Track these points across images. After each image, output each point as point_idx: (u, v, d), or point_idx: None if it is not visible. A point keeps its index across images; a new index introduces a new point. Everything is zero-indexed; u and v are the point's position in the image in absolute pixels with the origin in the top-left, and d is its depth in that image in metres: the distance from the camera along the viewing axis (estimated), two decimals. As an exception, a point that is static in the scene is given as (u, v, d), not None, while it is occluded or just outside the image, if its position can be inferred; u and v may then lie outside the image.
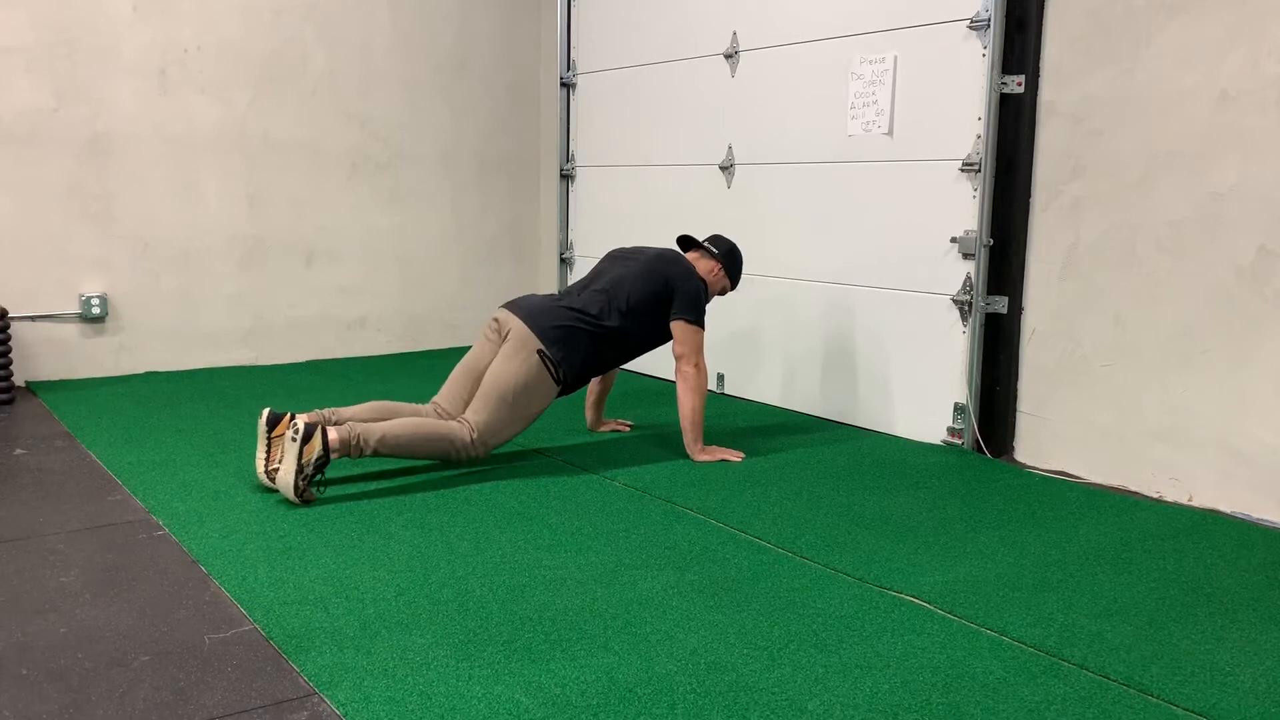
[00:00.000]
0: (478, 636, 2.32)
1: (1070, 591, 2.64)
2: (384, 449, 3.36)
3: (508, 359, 3.56)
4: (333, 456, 3.26)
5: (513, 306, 3.71)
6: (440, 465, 3.60)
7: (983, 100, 3.85)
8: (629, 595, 2.56)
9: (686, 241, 4.02)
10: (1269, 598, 2.63)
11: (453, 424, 3.51)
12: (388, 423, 3.40)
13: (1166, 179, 3.44)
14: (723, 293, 4.05)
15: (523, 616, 2.43)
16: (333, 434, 3.26)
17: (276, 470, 3.29)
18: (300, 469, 3.17)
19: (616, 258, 3.93)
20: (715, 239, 4.02)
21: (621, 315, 3.69)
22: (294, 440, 3.17)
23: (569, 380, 3.64)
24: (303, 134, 5.57)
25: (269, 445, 3.34)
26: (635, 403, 4.70)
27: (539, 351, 3.55)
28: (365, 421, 3.42)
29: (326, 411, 3.47)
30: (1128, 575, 2.76)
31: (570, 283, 6.09)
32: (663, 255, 3.86)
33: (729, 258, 3.98)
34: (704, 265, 3.93)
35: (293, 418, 3.30)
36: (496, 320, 3.70)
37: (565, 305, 3.70)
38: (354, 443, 3.30)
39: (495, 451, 3.70)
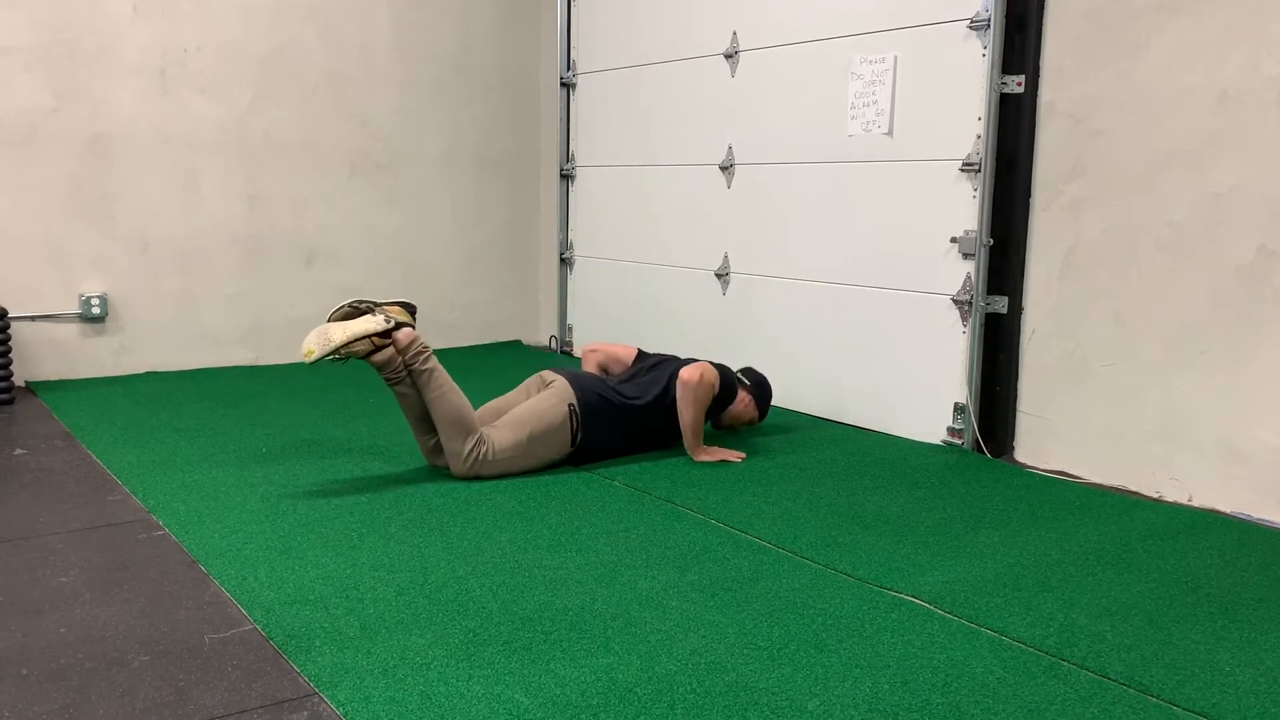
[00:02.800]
0: (478, 636, 2.32)
1: (1070, 591, 2.64)
2: (430, 383, 3.42)
3: (542, 400, 3.64)
4: (387, 353, 3.36)
5: (560, 369, 3.83)
6: (433, 468, 3.60)
7: (983, 100, 3.85)
8: (629, 595, 2.56)
9: (723, 370, 4.08)
10: (1269, 598, 2.63)
11: (484, 428, 3.55)
12: (446, 373, 3.50)
13: (1166, 179, 3.44)
14: (750, 423, 4.16)
15: (523, 616, 2.43)
16: (406, 332, 3.40)
17: (343, 316, 3.37)
18: (354, 340, 3.27)
19: (662, 361, 4.00)
20: (748, 370, 4.17)
21: (654, 399, 3.79)
22: (386, 323, 3.33)
23: (584, 444, 3.68)
24: (303, 134, 5.57)
25: (348, 313, 3.40)
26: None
27: (570, 405, 3.62)
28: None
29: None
30: (1128, 575, 2.76)
31: (568, 284, 6.09)
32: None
33: (759, 390, 4.12)
34: (737, 395, 4.03)
35: (390, 321, 3.39)
36: (541, 376, 3.81)
37: (608, 384, 3.79)
38: (418, 349, 3.41)
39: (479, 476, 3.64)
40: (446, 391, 3.45)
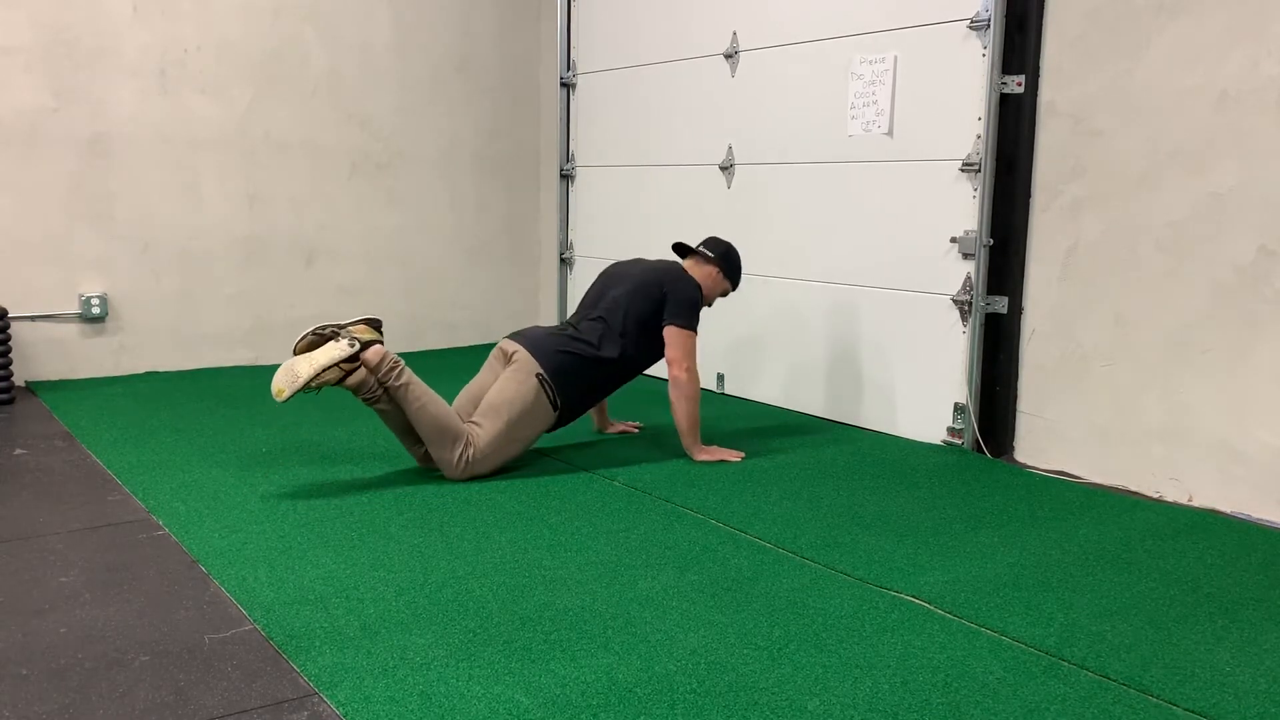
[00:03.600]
0: (478, 636, 2.32)
1: (1070, 591, 2.64)
2: (408, 396, 3.37)
3: (509, 380, 3.57)
4: (359, 375, 3.32)
5: (517, 336, 3.74)
6: (426, 471, 3.59)
7: (983, 100, 3.85)
8: (629, 595, 2.56)
9: (682, 249, 4.01)
10: (1269, 598, 2.63)
11: (466, 426, 3.52)
12: (423, 384, 3.45)
13: (1166, 179, 3.44)
14: (724, 294, 4.04)
15: (523, 616, 2.43)
16: (374, 350, 3.35)
17: (307, 346, 3.33)
18: (322, 371, 3.23)
19: (612, 276, 3.90)
20: (710, 242, 3.99)
21: (620, 340, 3.70)
22: (351, 346, 3.28)
23: (565, 407, 3.64)
24: (303, 134, 5.57)
25: (313, 341, 3.37)
26: (636, 402, 4.70)
27: (538, 375, 3.56)
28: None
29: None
30: (1128, 575, 2.76)
31: (568, 284, 6.10)
32: (655, 267, 3.86)
33: (725, 260, 3.95)
34: (700, 271, 3.91)
35: (355, 344, 3.34)
36: (502, 349, 3.73)
37: (568, 335, 3.71)
38: (389, 365, 3.36)
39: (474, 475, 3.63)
40: (426, 403, 3.40)
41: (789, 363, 4.70)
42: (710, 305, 3.99)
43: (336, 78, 5.64)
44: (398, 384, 3.37)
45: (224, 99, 5.33)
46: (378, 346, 3.39)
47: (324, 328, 3.38)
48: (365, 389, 3.37)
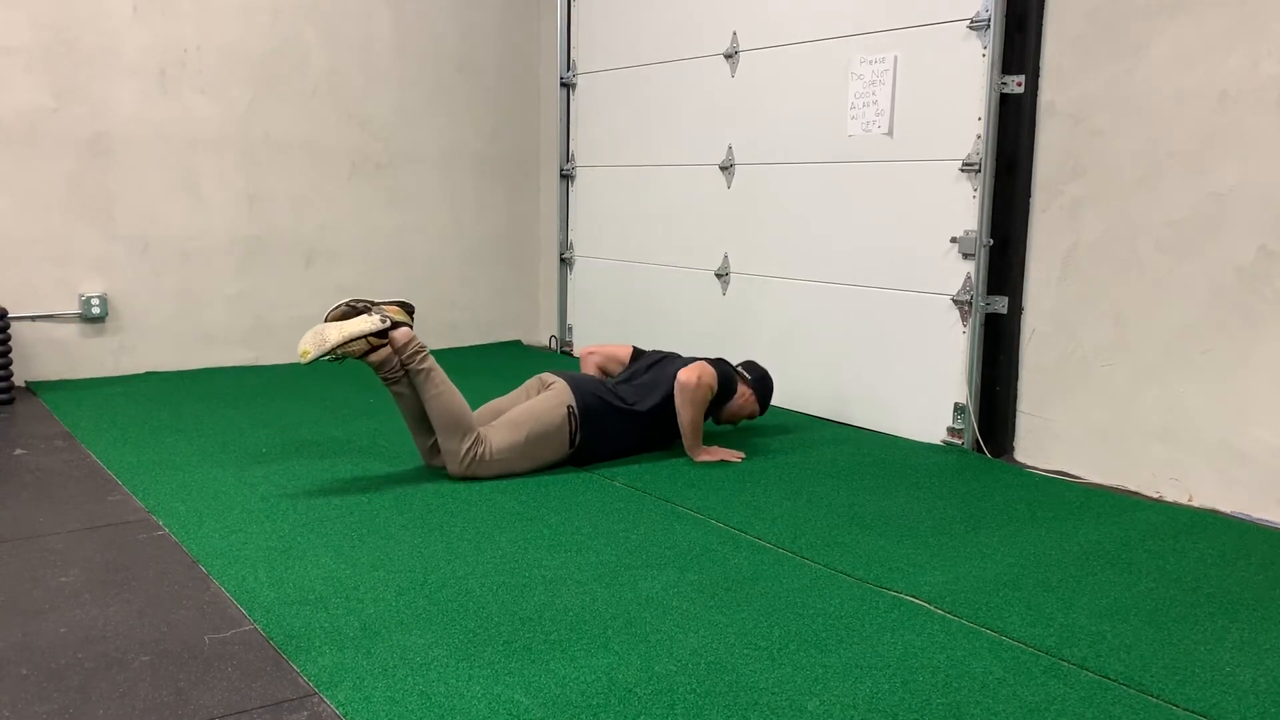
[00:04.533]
0: (478, 636, 2.32)
1: (1070, 591, 2.64)
2: (427, 383, 3.41)
3: (540, 402, 3.63)
4: (384, 353, 3.36)
5: (560, 372, 3.82)
6: (426, 470, 3.59)
7: (983, 100, 3.85)
8: (629, 595, 2.56)
9: (722, 364, 4.07)
10: (1269, 598, 2.63)
11: (481, 428, 3.54)
12: (443, 373, 3.48)
13: (1166, 179, 3.44)
14: (750, 416, 4.13)
15: (523, 616, 2.43)
16: (403, 331, 3.39)
17: (340, 316, 3.36)
18: (350, 341, 3.27)
19: (659, 360, 3.99)
20: (749, 364, 4.14)
21: (654, 404, 3.78)
22: (382, 322, 3.32)
23: (583, 447, 3.67)
24: (303, 134, 5.57)
25: (345, 312, 3.40)
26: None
27: (569, 407, 3.61)
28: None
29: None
30: (1128, 575, 2.76)
31: (568, 284, 6.10)
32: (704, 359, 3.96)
33: (761, 384, 4.09)
34: (737, 389, 4.01)
35: (386, 321, 3.38)
36: (541, 379, 3.79)
37: (607, 387, 3.78)
38: (415, 349, 3.40)
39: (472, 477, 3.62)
40: (443, 391, 3.44)
41: (789, 363, 4.70)
42: (735, 424, 4.16)
43: (336, 78, 5.64)
44: (420, 368, 3.41)
45: (224, 99, 5.33)
46: (406, 329, 3.44)
47: (359, 301, 3.43)
48: (387, 367, 3.40)
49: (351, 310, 3.41)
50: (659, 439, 3.88)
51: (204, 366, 5.42)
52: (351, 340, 3.29)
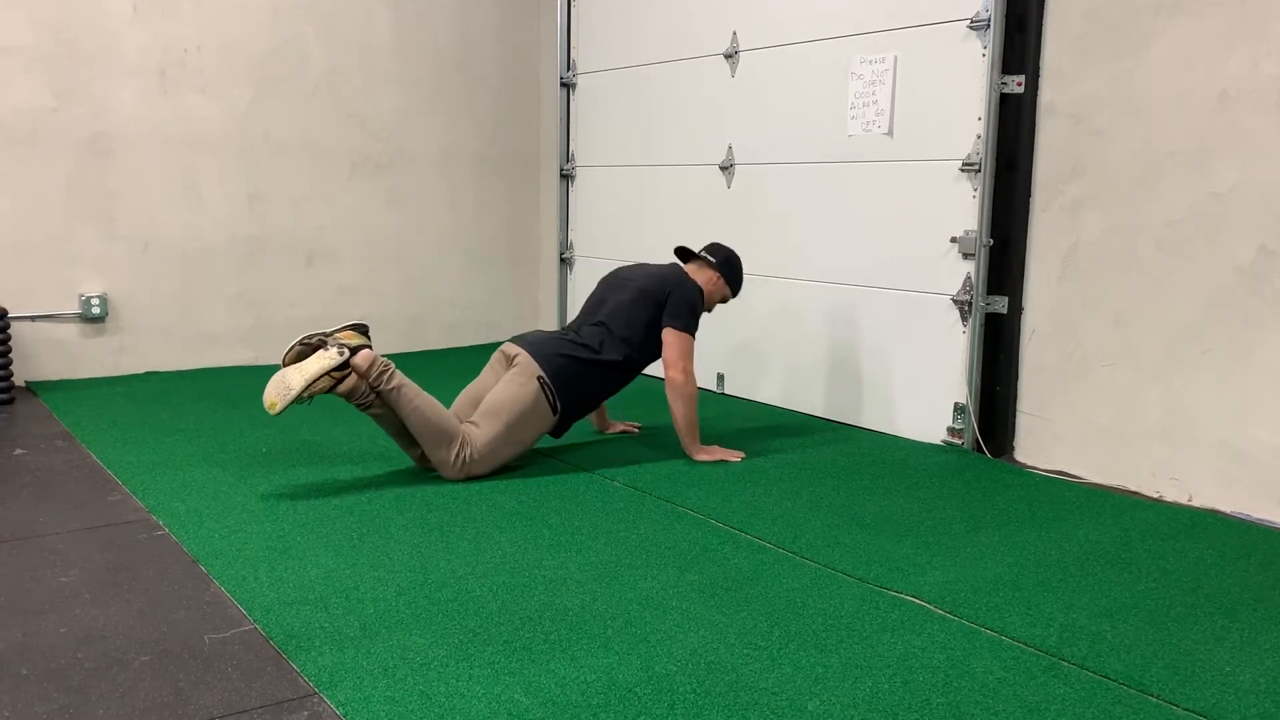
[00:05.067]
0: (478, 636, 2.32)
1: (1070, 591, 2.64)
2: (401, 399, 3.37)
3: (510, 383, 3.58)
4: (350, 382, 3.30)
5: (519, 340, 3.75)
6: (425, 471, 3.59)
7: (983, 100, 3.85)
8: (629, 595, 2.56)
9: (684, 253, 4.02)
10: (1269, 598, 2.63)
11: (463, 426, 3.52)
12: (415, 385, 3.44)
13: (1166, 179, 3.44)
14: (724, 300, 4.04)
15: (523, 616, 2.43)
16: (363, 355, 3.33)
17: (296, 356, 3.31)
18: (313, 381, 3.22)
19: (612, 284, 3.92)
20: (712, 247, 4.01)
21: (622, 345, 3.72)
22: (340, 354, 3.27)
23: (565, 410, 3.64)
24: (303, 134, 5.57)
25: (301, 352, 3.35)
26: (636, 403, 4.70)
27: (539, 378, 3.57)
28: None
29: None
30: (1128, 575, 2.76)
31: (568, 284, 6.10)
32: (657, 273, 3.87)
33: (727, 265, 3.97)
34: (702, 275, 3.93)
35: (344, 352, 3.32)
36: (504, 352, 3.73)
37: (569, 339, 3.72)
38: (380, 369, 3.35)
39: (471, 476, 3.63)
40: (419, 405, 3.40)
41: (789, 363, 4.70)
42: (710, 311, 4.01)
43: (336, 78, 5.64)
44: (390, 387, 3.37)
45: (224, 99, 5.33)
46: (366, 351, 3.37)
47: (310, 337, 3.35)
48: (358, 395, 3.35)
49: (306, 348, 3.33)
50: (635, 372, 3.81)
51: (204, 366, 5.42)
52: (314, 380, 3.23)
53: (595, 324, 3.78)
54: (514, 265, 6.42)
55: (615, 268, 4.08)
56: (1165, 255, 3.46)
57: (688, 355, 3.73)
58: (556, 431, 3.71)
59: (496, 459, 3.53)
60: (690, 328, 3.77)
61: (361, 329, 3.48)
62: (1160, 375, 3.51)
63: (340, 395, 3.34)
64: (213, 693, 2.07)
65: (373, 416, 3.45)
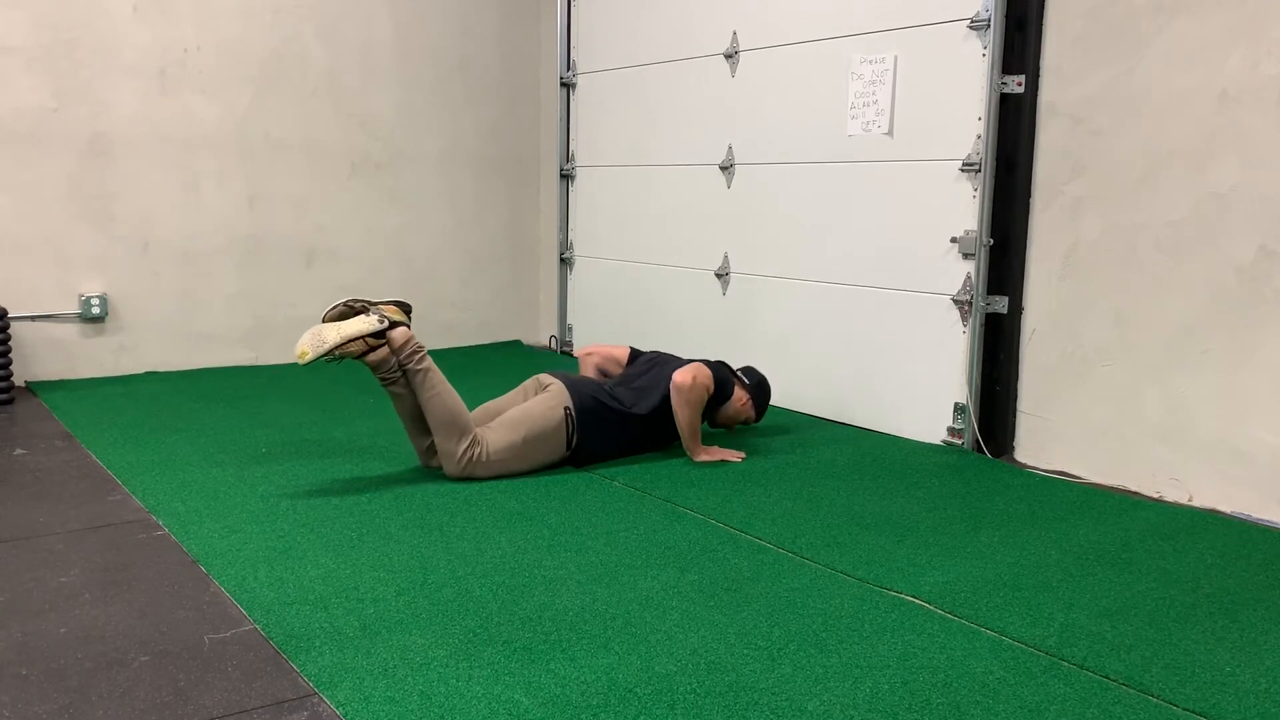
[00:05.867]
0: (478, 636, 2.32)
1: (1070, 592, 2.64)
2: (425, 383, 3.41)
3: (538, 403, 3.63)
4: (381, 353, 3.35)
5: (557, 373, 3.81)
6: (426, 470, 3.59)
7: (983, 100, 3.85)
8: (629, 595, 2.56)
9: (721, 367, 4.08)
10: (1269, 598, 2.63)
11: (478, 429, 3.54)
12: (441, 374, 3.49)
13: (1166, 179, 3.44)
14: (745, 422, 4.14)
15: (523, 616, 2.43)
16: (401, 331, 3.39)
17: (338, 316, 3.36)
18: (348, 341, 3.27)
19: (654, 360, 3.99)
20: (748, 369, 4.16)
21: (652, 408, 3.78)
22: (380, 322, 3.33)
23: (580, 449, 3.66)
24: (303, 134, 5.57)
25: (343, 312, 3.40)
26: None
27: (566, 409, 3.61)
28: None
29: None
30: (1128, 575, 2.76)
31: (568, 284, 6.10)
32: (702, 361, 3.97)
33: (759, 389, 4.10)
34: (734, 393, 4.02)
35: (384, 321, 3.38)
36: (538, 379, 3.79)
37: (605, 389, 3.78)
38: (413, 349, 3.40)
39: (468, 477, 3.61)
40: (441, 392, 3.44)
41: (789, 363, 4.70)
42: (730, 430, 4.16)
43: (336, 78, 5.64)
44: (418, 369, 3.41)
45: (224, 99, 5.33)
46: (404, 329, 3.43)
47: (356, 301, 3.43)
48: (385, 368, 3.40)
49: (349, 310, 3.40)
50: (656, 441, 3.88)
51: (204, 366, 5.42)
52: (349, 341, 3.29)
53: (633, 388, 3.85)
54: (514, 265, 6.42)
55: (656, 350, 4.18)
56: (1165, 255, 3.46)
57: (700, 371, 3.78)
58: (576, 462, 3.73)
59: (503, 468, 3.54)
60: (710, 366, 3.86)
61: (405, 308, 3.55)
62: (1160, 375, 3.51)
63: (369, 364, 3.39)
64: (213, 693, 2.07)
65: (392, 395, 3.48)
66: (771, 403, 4.41)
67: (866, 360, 4.39)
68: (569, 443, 3.63)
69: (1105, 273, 3.63)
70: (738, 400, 4.02)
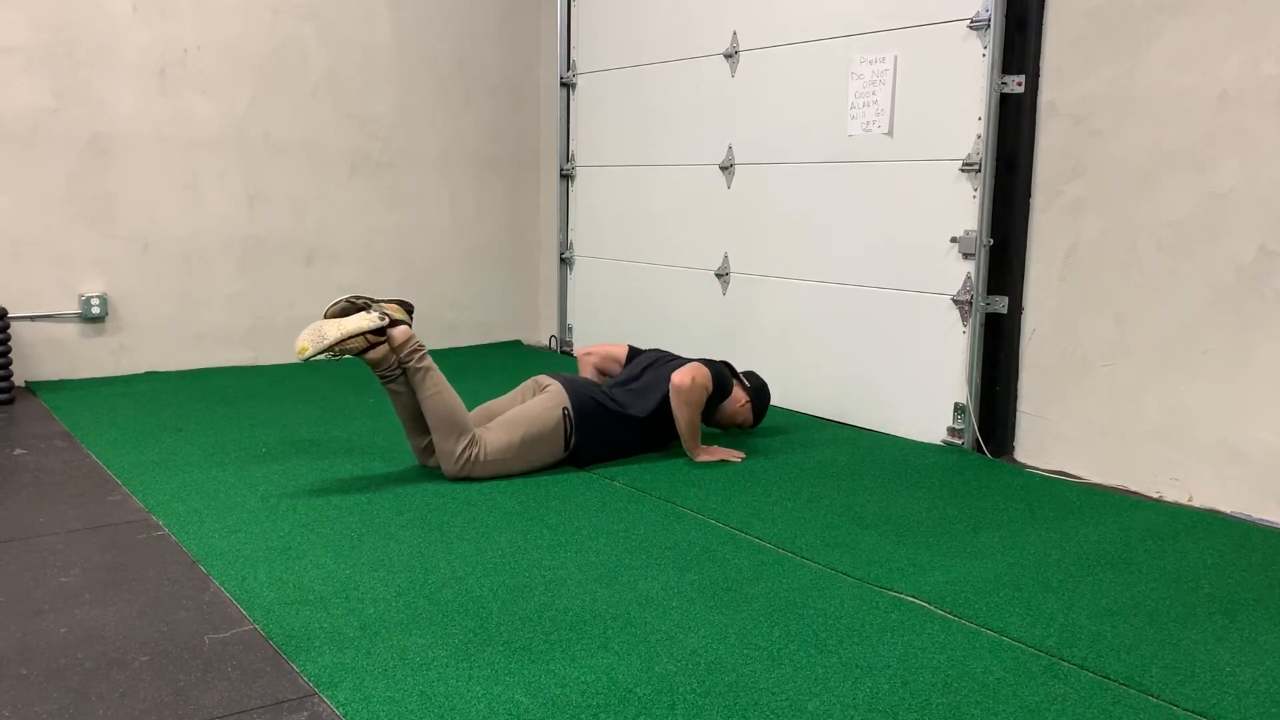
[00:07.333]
0: (478, 636, 2.32)
1: (1070, 591, 2.64)
2: (425, 382, 3.41)
3: (536, 404, 3.63)
4: (381, 350, 3.35)
5: (556, 374, 3.81)
6: (426, 470, 3.59)
7: (983, 100, 3.85)
8: (629, 595, 2.56)
9: (721, 367, 4.08)
10: (1269, 598, 2.63)
11: (477, 429, 3.53)
12: (441, 374, 3.49)
13: (1166, 179, 3.44)
14: (741, 426, 4.14)
15: (523, 616, 2.43)
16: (401, 330, 3.39)
17: (339, 312, 3.36)
18: (348, 338, 3.26)
19: (651, 360, 3.99)
20: (750, 374, 4.16)
21: (650, 410, 3.77)
22: (381, 320, 3.33)
23: (578, 450, 3.66)
24: (303, 134, 5.57)
25: (345, 309, 3.40)
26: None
27: (564, 410, 3.61)
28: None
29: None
30: (1128, 575, 2.76)
31: (568, 284, 6.10)
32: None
33: (759, 394, 4.10)
34: (733, 394, 4.02)
35: (385, 319, 3.38)
36: (537, 381, 3.79)
37: (603, 391, 3.78)
38: (413, 348, 3.41)
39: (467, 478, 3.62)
40: (441, 391, 3.44)
41: (789, 363, 4.70)
42: (725, 430, 4.14)
43: (336, 78, 5.64)
44: (418, 367, 3.42)
45: (224, 99, 5.33)
46: (405, 327, 3.44)
47: (358, 297, 3.43)
48: (384, 365, 3.40)
49: (351, 307, 3.41)
50: (655, 442, 3.88)
51: (204, 366, 5.42)
52: (350, 338, 3.29)
53: (630, 389, 3.85)
54: (514, 265, 6.42)
55: (655, 348, 4.16)
56: (1165, 255, 3.46)
57: (701, 371, 3.77)
58: (576, 462, 3.72)
59: (501, 468, 3.54)
60: (710, 365, 3.86)
61: (407, 307, 3.55)
62: (1160, 375, 3.51)
63: (368, 361, 3.39)
64: (213, 693, 2.07)
65: (391, 393, 3.48)
66: (772, 403, 4.42)
67: (866, 360, 4.39)
68: (567, 444, 3.63)
69: (1105, 273, 3.63)
70: (736, 400, 4.02)
